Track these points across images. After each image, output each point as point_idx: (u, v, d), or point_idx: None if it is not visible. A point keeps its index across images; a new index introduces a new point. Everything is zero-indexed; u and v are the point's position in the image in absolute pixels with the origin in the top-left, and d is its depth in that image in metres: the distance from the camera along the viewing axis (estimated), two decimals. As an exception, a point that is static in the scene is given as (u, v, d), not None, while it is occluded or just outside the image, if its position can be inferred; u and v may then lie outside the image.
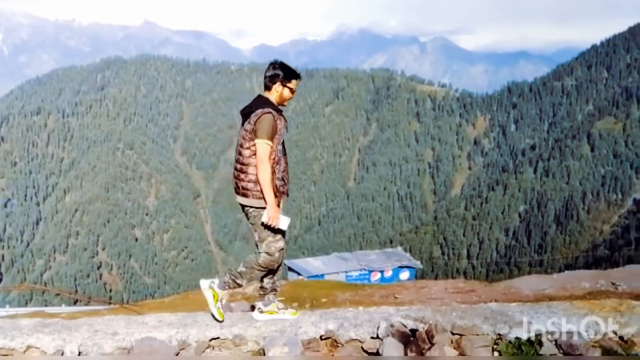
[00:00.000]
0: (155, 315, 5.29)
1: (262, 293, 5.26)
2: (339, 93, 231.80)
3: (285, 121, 4.86)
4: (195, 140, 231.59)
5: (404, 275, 41.23)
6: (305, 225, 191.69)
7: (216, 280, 5.06)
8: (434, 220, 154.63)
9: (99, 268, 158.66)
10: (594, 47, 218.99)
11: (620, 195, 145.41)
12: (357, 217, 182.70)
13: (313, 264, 42.20)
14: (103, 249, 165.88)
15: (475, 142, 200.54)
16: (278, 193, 4.66)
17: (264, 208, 4.67)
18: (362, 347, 4.73)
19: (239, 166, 4.76)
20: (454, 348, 4.61)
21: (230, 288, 5.02)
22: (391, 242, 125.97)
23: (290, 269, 41.87)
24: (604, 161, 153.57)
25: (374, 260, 43.66)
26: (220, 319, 4.95)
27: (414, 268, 43.28)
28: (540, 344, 4.48)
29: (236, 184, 4.81)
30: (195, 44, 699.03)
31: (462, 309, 5.10)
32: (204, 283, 5.07)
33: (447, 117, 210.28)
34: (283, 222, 4.67)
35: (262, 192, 4.62)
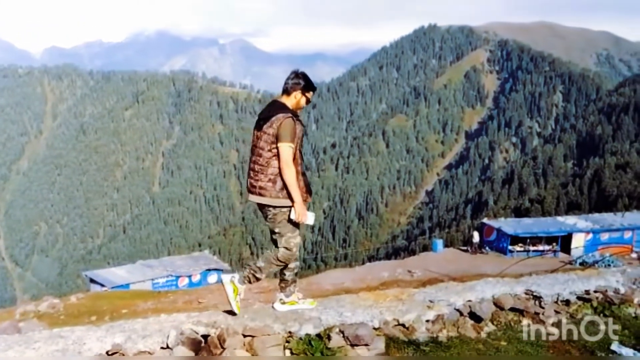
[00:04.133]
0: None
1: (283, 285, 5.29)
2: (139, 96, 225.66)
3: (303, 126, 5.02)
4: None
5: (212, 278, 40.94)
6: (109, 234, 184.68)
7: (237, 275, 5.21)
8: (242, 221, 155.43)
9: None
10: (384, 48, 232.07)
11: (414, 188, 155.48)
12: (163, 222, 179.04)
13: (117, 274, 40.59)
14: None
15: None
16: (304, 192, 4.94)
17: (282, 207, 4.91)
18: (151, 359, 4.56)
19: (257, 167, 4.93)
20: (246, 350, 4.58)
21: (249, 283, 5.17)
22: (200, 245, 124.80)
23: (92, 280, 39.98)
24: (399, 156, 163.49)
25: (181, 265, 43.02)
26: (237, 311, 5.04)
27: (222, 270, 43.14)
28: (329, 337, 4.59)
29: (252, 184, 4.98)
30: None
31: (254, 310, 5.10)
32: (226, 277, 5.20)
33: (251, 118, 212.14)
34: (310, 218, 4.89)
35: (287, 191, 4.83)
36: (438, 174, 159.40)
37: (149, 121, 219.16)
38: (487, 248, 39.99)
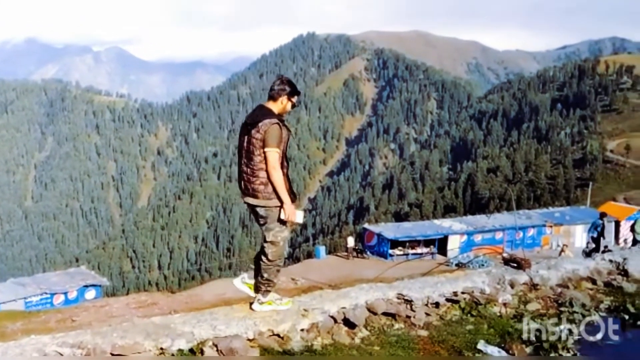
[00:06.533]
0: None
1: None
2: (8, 107, 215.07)
3: (289, 130, 5.26)
4: None
5: (90, 294, 39.35)
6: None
7: (245, 275, 5.69)
8: (122, 234, 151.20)
9: None
10: (264, 57, 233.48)
11: (297, 196, 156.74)
12: (37, 237, 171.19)
13: (-16, 295, 38.39)
14: None
15: (159, 152, 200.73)
16: (290, 193, 5.20)
17: (273, 207, 5.16)
18: (12, 387, 4.31)
19: (249, 170, 5.16)
20: (116, 370, 4.43)
21: (271, 292, 5.46)
22: (77, 260, 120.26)
23: (-43, 303, 37.55)
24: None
25: (56, 282, 40.99)
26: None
27: (100, 286, 41.62)
28: (202, 352, 4.52)
29: (245, 186, 5.20)
30: None
31: (123, 328, 4.92)
32: (236, 281, 5.65)
33: (128, 128, 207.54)
34: (299, 216, 5.15)
35: (275, 193, 5.10)
36: (320, 181, 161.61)
37: (20, 132, 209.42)
38: (368, 253, 40.84)
